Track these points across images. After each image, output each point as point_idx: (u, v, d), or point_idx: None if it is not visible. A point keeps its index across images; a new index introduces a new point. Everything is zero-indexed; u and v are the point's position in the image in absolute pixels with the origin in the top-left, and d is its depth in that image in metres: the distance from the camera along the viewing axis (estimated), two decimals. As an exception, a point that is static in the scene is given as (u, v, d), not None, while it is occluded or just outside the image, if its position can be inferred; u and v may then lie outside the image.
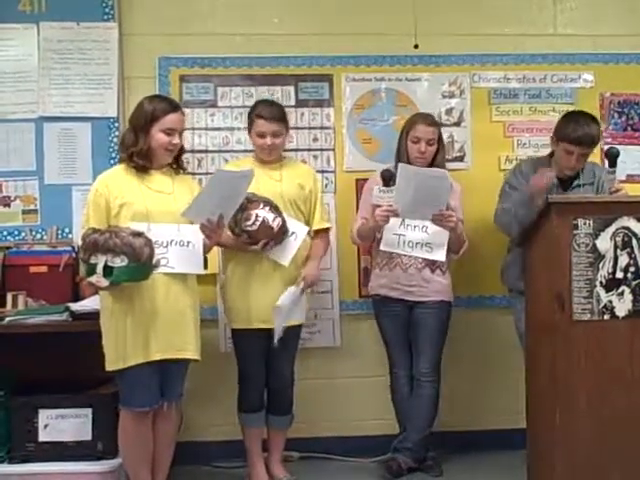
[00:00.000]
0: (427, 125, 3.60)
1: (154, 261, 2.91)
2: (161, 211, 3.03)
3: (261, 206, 3.26)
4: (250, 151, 3.63)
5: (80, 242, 2.96)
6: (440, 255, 3.48)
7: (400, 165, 3.40)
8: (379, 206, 3.45)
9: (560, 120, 3.50)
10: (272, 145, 3.42)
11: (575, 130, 3.35)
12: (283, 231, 3.30)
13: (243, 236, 3.26)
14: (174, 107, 3.11)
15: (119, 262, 2.82)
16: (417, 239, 3.47)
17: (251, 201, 3.24)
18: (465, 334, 3.96)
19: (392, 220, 3.43)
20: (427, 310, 3.59)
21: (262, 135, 3.41)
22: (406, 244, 3.48)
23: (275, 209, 3.30)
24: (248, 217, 3.23)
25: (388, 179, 3.41)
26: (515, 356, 3.74)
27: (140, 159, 3.04)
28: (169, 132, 3.05)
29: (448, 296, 3.64)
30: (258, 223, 3.23)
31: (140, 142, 3.03)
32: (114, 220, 2.99)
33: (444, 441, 3.80)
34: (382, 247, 3.51)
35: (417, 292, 3.59)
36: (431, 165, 3.58)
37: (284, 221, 3.31)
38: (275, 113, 3.43)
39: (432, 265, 3.57)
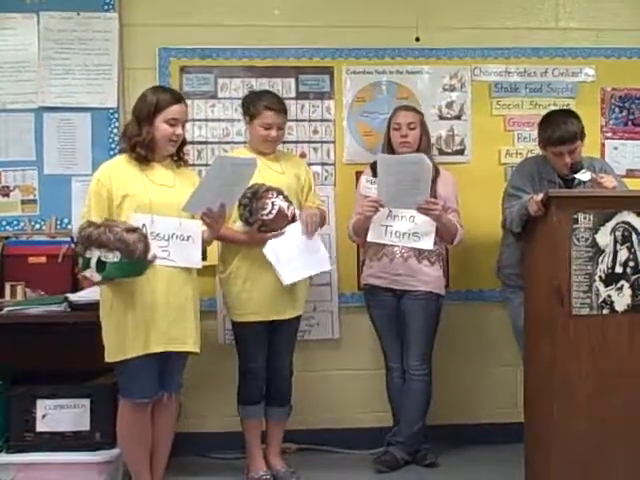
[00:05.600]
0: (406, 110, 3.66)
1: (149, 256, 2.90)
2: (164, 204, 3.02)
3: (275, 195, 3.27)
4: (249, 143, 3.63)
5: (76, 234, 2.96)
6: (427, 244, 3.48)
7: (379, 155, 3.44)
8: (368, 197, 3.47)
9: (538, 127, 3.50)
10: (276, 137, 3.43)
11: (554, 131, 3.36)
12: (295, 220, 3.33)
13: (257, 224, 3.25)
14: (177, 98, 3.11)
15: (112, 258, 2.81)
16: (404, 229, 3.48)
17: (265, 190, 3.26)
18: (463, 327, 3.97)
19: (380, 212, 3.45)
20: (414, 301, 3.58)
21: (269, 127, 3.40)
22: (393, 234, 3.49)
23: (286, 198, 3.32)
24: (264, 206, 3.24)
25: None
26: (512, 350, 3.76)
27: (143, 150, 3.04)
28: (172, 123, 3.05)
29: (437, 288, 3.62)
30: (275, 212, 3.24)
31: (143, 133, 3.03)
32: (117, 211, 2.99)
33: (440, 434, 3.81)
34: (369, 238, 3.52)
35: (403, 281, 3.58)
36: (416, 152, 3.57)
37: (295, 210, 3.34)
38: (282, 106, 3.45)
39: (419, 255, 3.56)
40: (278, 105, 3.43)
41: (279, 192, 3.30)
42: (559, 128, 3.35)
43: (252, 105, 3.44)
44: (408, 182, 3.32)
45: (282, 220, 3.28)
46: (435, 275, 3.61)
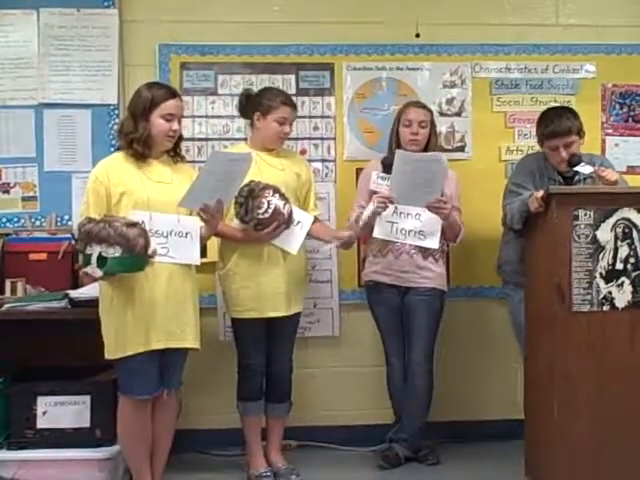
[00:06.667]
0: (418, 108, 3.64)
1: (149, 251, 2.90)
2: (162, 201, 3.02)
3: (272, 193, 3.26)
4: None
5: (76, 231, 2.96)
6: (433, 243, 3.49)
7: (397, 152, 3.42)
8: (376, 192, 3.46)
9: (536, 124, 3.53)
10: (288, 133, 3.45)
11: (547, 126, 3.40)
12: (291, 218, 3.32)
13: (252, 223, 3.25)
14: (172, 93, 3.11)
15: (112, 253, 2.81)
16: (410, 227, 3.48)
17: (262, 189, 3.25)
18: (464, 324, 3.98)
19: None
20: (419, 297, 3.58)
21: (284, 122, 3.41)
22: (399, 231, 3.49)
23: (283, 196, 3.31)
24: (260, 205, 3.23)
25: (389, 166, 3.42)
26: (513, 347, 3.76)
27: (140, 146, 3.03)
28: (169, 118, 3.05)
29: (441, 284, 3.62)
30: (270, 210, 3.24)
31: (140, 129, 3.03)
32: (115, 208, 2.99)
33: (441, 431, 3.81)
34: (375, 234, 3.52)
35: (409, 278, 3.58)
36: (424, 151, 3.57)
37: (292, 208, 3.33)
38: (294, 102, 3.48)
39: (424, 252, 3.56)
40: (292, 101, 3.47)
41: (276, 190, 3.29)
42: (552, 122, 3.39)
43: (267, 100, 3.42)
44: (423, 180, 3.31)
45: (278, 219, 3.27)
46: (439, 271, 3.62)
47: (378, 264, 3.64)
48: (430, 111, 3.67)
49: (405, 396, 3.65)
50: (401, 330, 3.65)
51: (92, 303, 3.12)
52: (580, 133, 3.41)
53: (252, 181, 3.23)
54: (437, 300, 3.61)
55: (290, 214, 3.31)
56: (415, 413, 3.63)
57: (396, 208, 3.46)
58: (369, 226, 3.53)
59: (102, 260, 2.81)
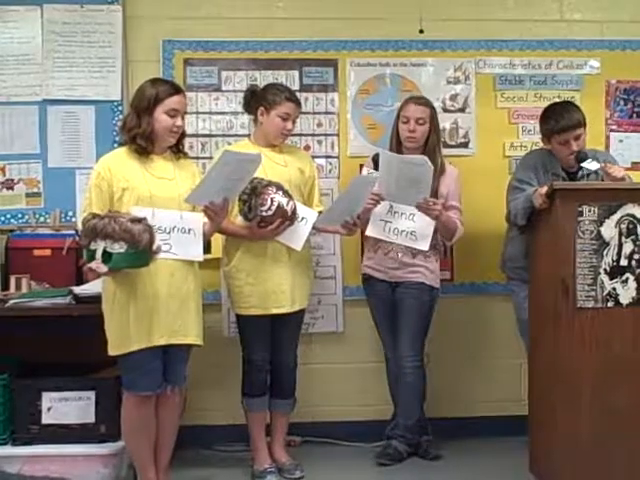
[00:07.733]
0: (417, 104, 3.60)
1: (154, 247, 2.90)
2: (164, 197, 3.02)
3: (275, 190, 3.26)
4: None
5: (80, 227, 2.96)
6: (424, 245, 3.48)
7: (381, 152, 3.43)
8: None
9: (540, 122, 3.53)
10: (291, 129, 3.44)
11: (557, 121, 3.38)
12: (295, 215, 3.32)
13: (256, 220, 3.25)
14: (176, 89, 3.11)
15: (117, 248, 2.81)
16: (403, 227, 3.47)
17: (265, 186, 3.25)
18: (468, 321, 3.98)
19: (380, 206, 3.44)
20: (407, 290, 3.57)
21: (287, 118, 3.40)
22: (391, 231, 3.49)
23: (286, 193, 3.30)
24: (263, 202, 3.23)
25: (378, 163, 3.42)
26: (516, 343, 3.76)
27: (143, 141, 3.03)
28: (172, 114, 3.05)
29: (430, 280, 3.60)
30: (274, 208, 3.23)
31: (143, 124, 3.02)
32: (117, 204, 2.99)
33: (445, 427, 3.81)
34: (368, 232, 3.52)
35: (397, 274, 3.59)
36: (424, 147, 3.56)
37: (295, 205, 3.32)
38: (299, 99, 3.48)
39: (413, 250, 3.55)
40: (297, 98, 3.46)
41: (279, 187, 3.29)
42: (562, 117, 3.38)
43: (272, 95, 3.41)
44: (409, 181, 3.32)
45: (281, 216, 3.27)
46: (431, 268, 3.60)
47: (371, 259, 3.66)
48: (431, 107, 3.63)
49: (398, 392, 3.67)
50: (393, 324, 3.65)
51: (96, 299, 3.12)
52: (585, 126, 3.41)
53: (255, 178, 3.22)
54: (426, 295, 3.59)
55: (294, 211, 3.31)
56: (408, 410, 3.63)
57: (391, 207, 3.46)
58: (365, 219, 3.52)
59: (107, 255, 2.82)
